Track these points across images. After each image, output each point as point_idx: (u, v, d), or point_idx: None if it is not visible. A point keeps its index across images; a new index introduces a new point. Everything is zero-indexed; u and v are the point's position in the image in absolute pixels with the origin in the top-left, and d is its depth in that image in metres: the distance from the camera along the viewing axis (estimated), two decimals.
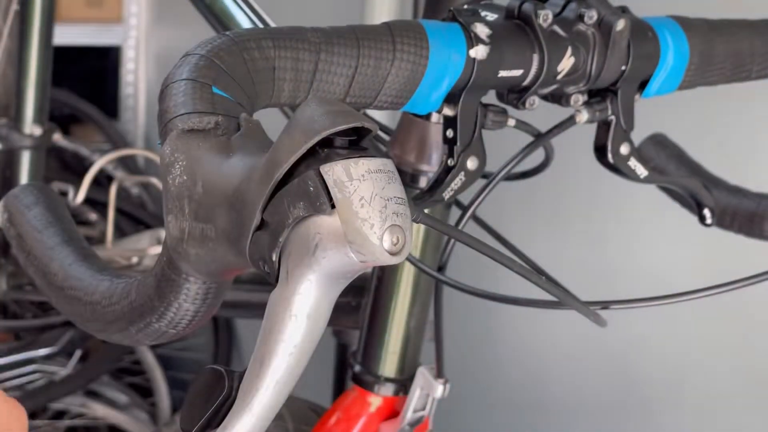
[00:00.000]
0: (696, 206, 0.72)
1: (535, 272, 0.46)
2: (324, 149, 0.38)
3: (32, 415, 1.67)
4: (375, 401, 0.81)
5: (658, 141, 0.97)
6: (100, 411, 1.73)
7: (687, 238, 1.21)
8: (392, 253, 0.37)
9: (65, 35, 2.17)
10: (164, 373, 1.84)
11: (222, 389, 0.40)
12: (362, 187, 0.37)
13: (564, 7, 0.60)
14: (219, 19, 0.81)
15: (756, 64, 0.70)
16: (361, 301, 0.83)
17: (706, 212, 0.72)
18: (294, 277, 0.38)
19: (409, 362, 0.81)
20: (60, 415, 1.74)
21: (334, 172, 0.37)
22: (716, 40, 0.66)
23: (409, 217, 0.39)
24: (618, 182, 0.67)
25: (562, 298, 0.49)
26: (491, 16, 0.59)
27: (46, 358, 1.70)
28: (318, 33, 0.50)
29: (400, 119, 0.74)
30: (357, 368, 0.82)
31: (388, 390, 0.81)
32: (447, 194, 0.58)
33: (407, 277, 0.78)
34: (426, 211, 0.77)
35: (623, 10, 0.63)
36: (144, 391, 1.87)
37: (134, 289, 0.48)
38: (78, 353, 1.72)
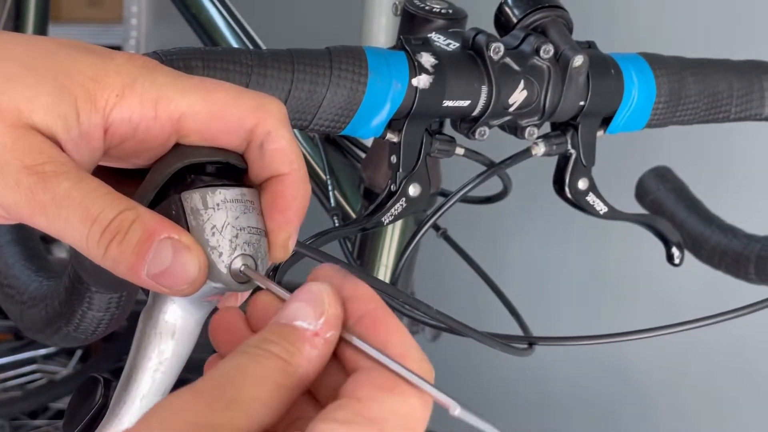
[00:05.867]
0: (663, 244, 0.71)
1: (425, 305, 0.47)
2: (192, 175, 0.40)
3: (32, 415, 1.69)
4: None
5: (660, 174, 0.96)
6: None
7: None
8: (240, 282, 0.38)
9: (65, 35, 2.20)
10: None
11: (98, 398, 0.41)
12: (215, 216, 0.38)
13: (522, 41, 0.60)
14: (204, 30, 0.83)
15: (734, 106, 0.69)
16: None
17: (674, 251, 0.71)
18: (159, 296, 0.39)
19: None
20: (60, 415, 1.76)
21: (192, 199, 0.39)
22: (688, 79, 0.66)
23: (264, 247, 0.39)
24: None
25: (466, 332, 0.50)
26: (453, 45, 0.60)
27: (47, 358, 1.72)
28: (252, 55, 0.51)
29: (373, 141, 0.75)
30: None
31: None
32: (386, 219, 0.58)
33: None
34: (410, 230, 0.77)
35: (589, 46, 0.63)
36: None
37: (50, 294, 0.49)
38: (78, 353, 1.74)
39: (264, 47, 0.72)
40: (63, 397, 1.69)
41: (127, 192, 0.39)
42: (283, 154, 0.40)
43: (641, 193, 0.95)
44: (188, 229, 0.38)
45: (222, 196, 0.39)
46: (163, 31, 2.41)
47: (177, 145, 0.40)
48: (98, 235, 0.37)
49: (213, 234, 0.38)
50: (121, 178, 0.42)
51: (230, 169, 0.41)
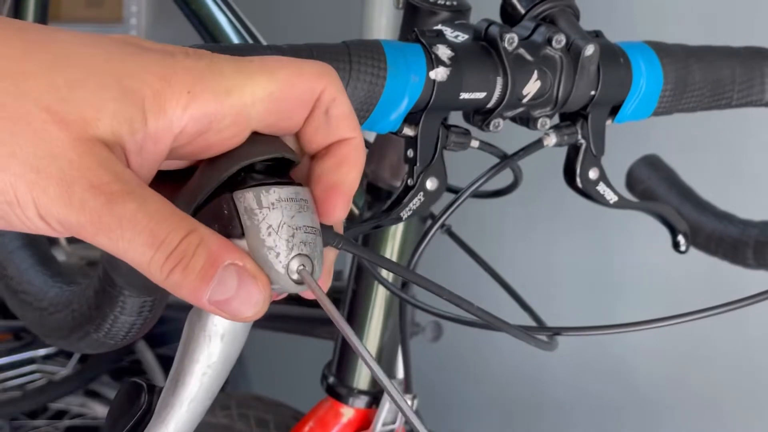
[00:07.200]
0: (670, 232, 0.71)
1: (467, 301, 0.46)
2: (242, 173, 0.39)
3: (32, 415, 1.68)
4: (347, 413, 0.81)
5: (651, 162, 0.97)
6: (100, 411, 1.74)
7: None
8: (298, 282, 0.38)
9: None
10: (164, 373, 1.85)
11: (141, 403, 0.40)
12: (271, 216, 0.38)
13: (533, 31, 0.60)
14: (206, 27, 0.82)
15: (736, 92, 0.69)
16: None
17: (680, 239, 0.71)
18: None
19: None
20: (60, 415, 1.75)
21: (246, 198, 0.38)
22: (693, 67, 0.66)
23: (320, 246, 0.39)
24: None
25: (497, 324, 0.50)
26: (462, 37, 0.59)
27: (46, 358, 1.71)
28: (271, 51, 0.51)
29: (376, 136, 0.74)
30: (331, 380, 0.82)
31: (360, 402, 0.81)
32: (405, 214, 0.58)
33: (382, 290, 0.79)
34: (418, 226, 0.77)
35: (596, 35, 0.63)
36: None
37: (76, 299, 0.48)
38: (77, 353, 1.72)
39: (264, 43, 0.71)
40: (63, 397, 1.68)
41: (164, 192, 0.38)
42: (348, 118, 0.41)
43: (632, 182, 0.95)
44: (242, 229, 0.37)
45: (277, 195, 0.38)
46: (163, 31, 2.38)
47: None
48: (163, 260, 0.36)
49: (269, 234, 0.37)
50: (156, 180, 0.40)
51: (280, 164, 0.40)
